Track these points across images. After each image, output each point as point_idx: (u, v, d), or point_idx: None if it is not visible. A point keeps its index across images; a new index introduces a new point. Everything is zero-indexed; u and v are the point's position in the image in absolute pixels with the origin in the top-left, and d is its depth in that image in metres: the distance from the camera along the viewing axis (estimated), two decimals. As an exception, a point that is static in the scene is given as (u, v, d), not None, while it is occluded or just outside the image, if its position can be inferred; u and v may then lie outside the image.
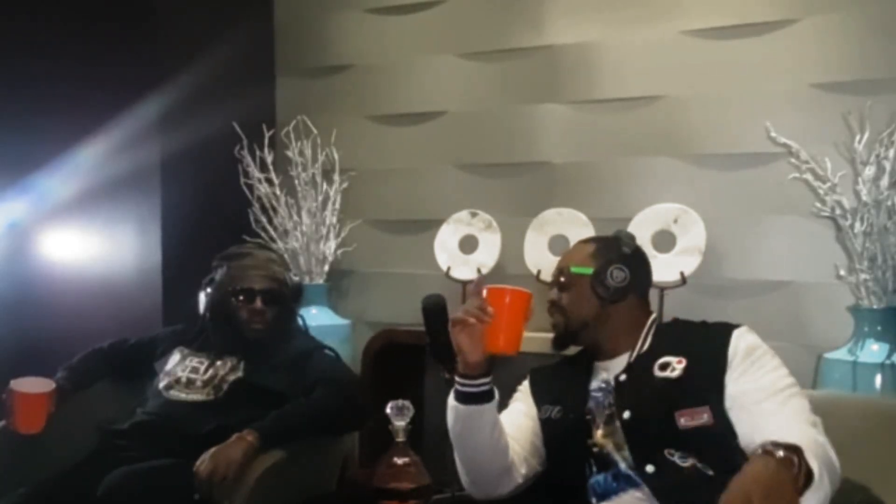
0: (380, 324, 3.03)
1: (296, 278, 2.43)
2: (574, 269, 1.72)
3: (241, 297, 2.26)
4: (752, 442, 1.50)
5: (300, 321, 2.44)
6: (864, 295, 2.34)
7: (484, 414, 1.61)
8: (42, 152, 3.04)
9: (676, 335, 1.69)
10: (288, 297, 2.34)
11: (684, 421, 1.54)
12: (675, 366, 1.61)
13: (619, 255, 1.74)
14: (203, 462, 1.91)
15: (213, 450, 1.93)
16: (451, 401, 1.64)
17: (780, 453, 1.23)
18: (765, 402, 1.52)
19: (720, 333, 1.62)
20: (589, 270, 1.71)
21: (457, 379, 1.61)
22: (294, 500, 2.08)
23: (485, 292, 1.59)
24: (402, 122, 3.18)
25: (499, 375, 1.63)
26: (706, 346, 1.61)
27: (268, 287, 2.28)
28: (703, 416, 1.53)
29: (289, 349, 2.27)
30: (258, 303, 2.26)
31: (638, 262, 1.77)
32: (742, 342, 1.59)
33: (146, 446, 2.07)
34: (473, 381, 1.60)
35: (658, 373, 1.62)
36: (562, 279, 1.74)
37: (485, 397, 1.61)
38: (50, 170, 3.05)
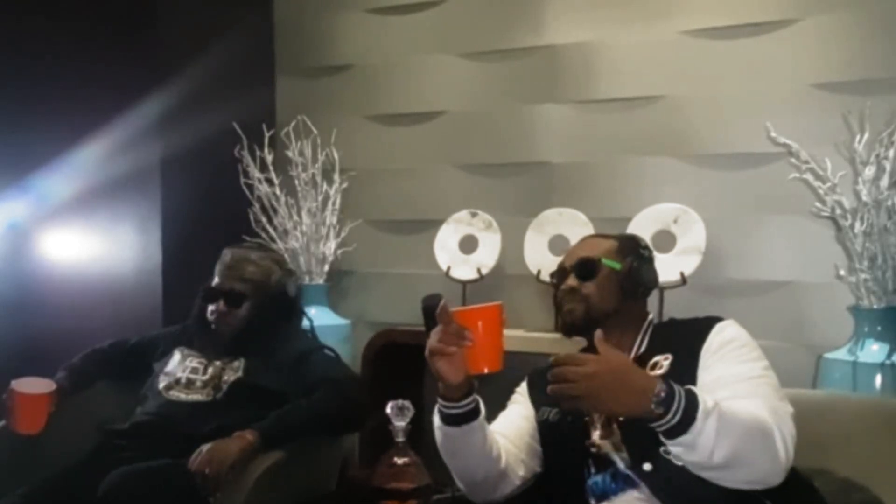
0: (380, 324, 3.03)
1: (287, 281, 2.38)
2: (606, 261, 1.71)
3: (209, 298, 2.27)
4: None
5: (306, 322, 2.44)
6: (864, 295, 2.34)
7: (473, 432, 1.59)
8: (42, 152, 3.05)
9: (667, 334, 1.69)
10: (265, 299, 2.28)
11: None
12: (663, 363, 1.61)
13: (643, 256, 1.75)
14: (198, 455, 1.92)
15: (209, 444, 1.94)
16: (437, 421, 1.61)
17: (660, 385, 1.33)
18: (728, 387, 1.47)
19: (702, 328, 1.61)
20: (618, 265, 1.71)
21: (440, 402, 1.58)
22: (294, 500, 2.08)
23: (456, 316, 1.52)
24: (402, 122, 3.18)
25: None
26: (689, 341, 1.60)
27: (230, 287, 2.26)
28: None
29: (289, 349, 2.27)
30: (220, 304, 2.25)
31: (654, 266, 1.78)
32: (718, 337, 1.58)
33: (146, 446, 2.07)
34: (457, 403, 1.57)
35: (649, 372, 1.62)
36: (584, 268, 1.71)
37: (471, 416, 1.58)
38: (50, 170, 3.05)
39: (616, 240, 1.78)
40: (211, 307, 2.26)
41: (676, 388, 1.35)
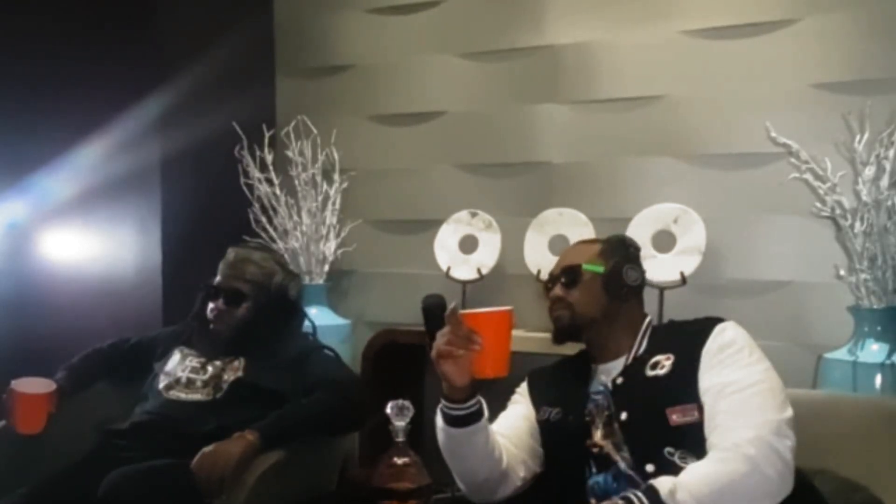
0: (380, 324, 3.03)
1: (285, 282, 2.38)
2: (587, 267, 1.72)
3: (208, 296, 2.27)
4: (707, 439, 1.51)
5: (307, 322, 2.44)
6: (864, 295, 2.34)
7: (476, 433, 1.60)
8: (42, 152, 3.04)
9: (668, 335, 1.70)
10: (265, 299, 2.28)
11: (676, 417, 1.54)
12: (664, 363, 1.61)
13: (629, 256, 1.75)
14: (201, 458, 1.91)
15: (211, 446, 1.94)
16: (440, 422, 1.62)
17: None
18: (724, 399, 1.50)
19: (703, 329, 1.61)
20: (600, 268, 1.71)
21: (443, 403, 1.59)
22: (294, 500, 2.08)
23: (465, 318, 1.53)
24: (402, 122, 3.18)
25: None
26: (689, 342, 1.61)
27: (230, 286, 2.26)
28: (694, 413, 1.53)
29: (289, 349, 2.27)
30: (220, 302, 2.25)
31: (641, 264, 1.78)
32: (718, 339, 1.58)
33: (146, 446, 2.07)
34: (461, 405, 1.58)
35: (649, 372, 1.62)
36: (568, 276, 1.73)
37: (474, 417, 1.59)
38: (50, 170, 3.05)
39: (602, 243, 1.79)
40: (210, 305, 2.27)
41: (631, 493, 1.40)
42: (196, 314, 2.33)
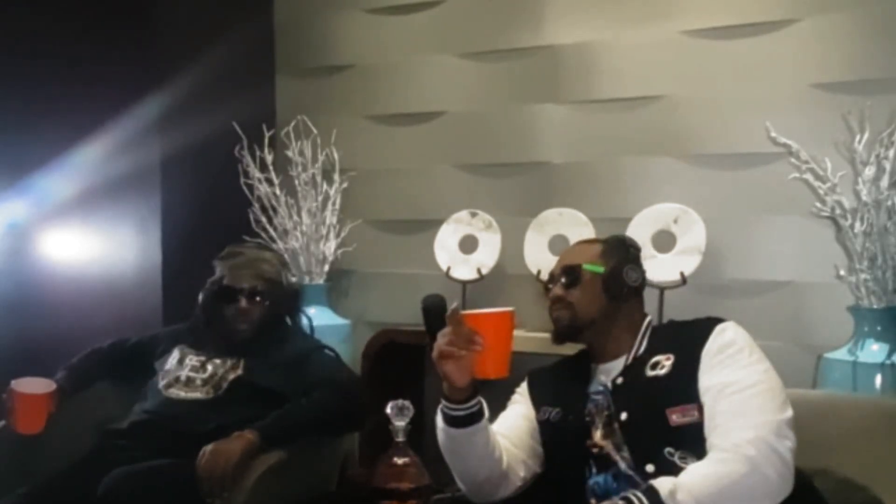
0: (380, 324, 3.03)
1: (293, 279, 2.40)
2: (587, 267, 1.72)
3: (226, 296, 2.26)
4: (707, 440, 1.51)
5: (306, 322, 2.44)
6: (864, 295, 2.34)
7: (476, 433, 1.60)
8: (42, 152, 3.04)
9: (668, 335, 1.70)
10: (280, 297, 2.31)
11: (676, 418, 1.54)
12: (664, 363, 1.61)
13: (629, 256, 1.75)
14: (203, 458, 1.91)
15: (212, 445, 1.94)
16: (440, 423, 1.63)
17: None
18: (724, 400, 1.50)
19: (703, 330, 1.61)
20: (601, 269, 1.71)
21: (444, 403, 1.60)
22: (294, 500, 2.08)
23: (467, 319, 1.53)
24: (402, 122, 3.18)
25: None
26: (690, 342, 1.61)
27: (252, 286, 2.26)
28: (694, 413, 1.53)
29: (289, 349, 2.27)
30: (242, 302, 2.25)
31: (641, 265, 1.78)
32: (718, 339, 1.58)
33: (146, 446, 2.07)
34: (462, 406, 1.58)
35: (649, 372, 1.62)
36: (568, 276, 1.73)
37: (474, 418, 1.59)
38: (50, 170, 3.05)
39: (602, 243, 1.79)
40: (236, 305, 2.25)
41: (631, 493, 1.40)
42: (205, 314, 2.32)
